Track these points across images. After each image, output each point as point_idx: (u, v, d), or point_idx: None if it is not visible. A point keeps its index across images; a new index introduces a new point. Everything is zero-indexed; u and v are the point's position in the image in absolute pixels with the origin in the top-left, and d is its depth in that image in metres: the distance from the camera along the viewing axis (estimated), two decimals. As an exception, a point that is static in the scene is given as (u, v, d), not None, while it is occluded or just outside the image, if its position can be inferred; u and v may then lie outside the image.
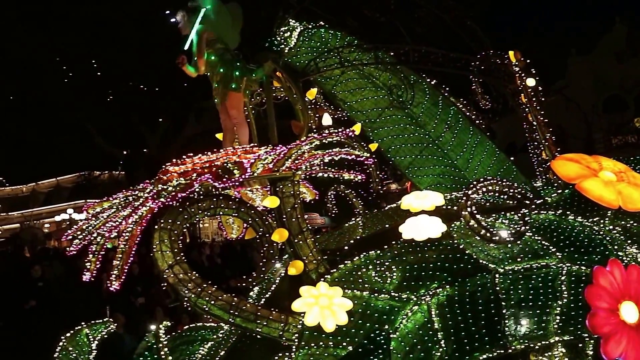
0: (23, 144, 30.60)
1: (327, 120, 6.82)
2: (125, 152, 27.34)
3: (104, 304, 11.85)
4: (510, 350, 5.34)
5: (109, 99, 25.28)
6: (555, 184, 6.66)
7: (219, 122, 6.66)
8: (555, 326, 5.45)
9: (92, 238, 5.19)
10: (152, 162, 22.32)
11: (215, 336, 6.15)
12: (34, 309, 11.80)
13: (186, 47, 6.50)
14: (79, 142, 28.83)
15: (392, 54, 6.74)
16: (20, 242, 19.09)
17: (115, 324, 6.57)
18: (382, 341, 4.97)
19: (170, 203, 5.07)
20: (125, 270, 5.23)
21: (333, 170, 5.86)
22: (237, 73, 6.28)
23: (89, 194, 41.55)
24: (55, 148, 32.18)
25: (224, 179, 5.13)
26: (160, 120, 25.82)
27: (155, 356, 5.51)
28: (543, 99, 6.92)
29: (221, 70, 6.26)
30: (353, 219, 7.02)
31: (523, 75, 6.89)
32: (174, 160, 5.44)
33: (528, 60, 7.02)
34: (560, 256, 5.66)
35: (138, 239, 5.26)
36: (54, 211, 49.98)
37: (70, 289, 12.25)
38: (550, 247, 5.73)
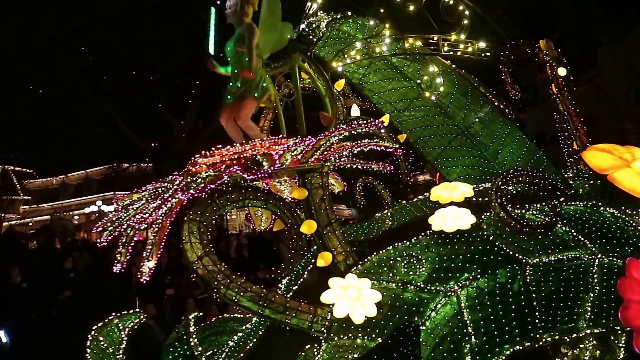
0: (52, 136, 30.89)
1: (355, 111, 6.78)
2: (153, 144, 27.45)
3: (134, 295, 11.97)
4: (540, 343, 5.29)
5: (137, 91, 25.40)
6: (587, 175, 6.58)
7: None
8: (587, 319, 5.39)
9: (122, 230, 5.21)
10: (180, 154, 22.42)
11: (243, 327, 6.17)
12: (67, 299, 11.95)
13: (211, 49, 6.44)
14: (108, 135, 29.04)
15: (420, 44, 6.69)
16: (51, 234, 19.26)
17: (145, 315, 6.60)
18: (412, 333, 4.93)
19: (200, 195, 5.07)
20: (155, 262, 5.25)
21: (362, 161, 5.82)
22: (264, 84, 6.20)
23: (117, 186, 41.89)
24: (84, 140, 32.47)
25: (253, 171, 5.12)
26: (188, 112, 25.89)
27: (185, 347, 5.54)
28: (574, 89, 6.82)
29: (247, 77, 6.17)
30: (382, 210, 6.99)
31: (554, 64, 6.79)
32: (203, 151, 5.43)
33: (559, 49, 6.92)
34: (592, 248, 5.60)
35: (168, 230, 5.27)
36: (83, 203, 50.57)
37: (100, 280, 12.36)
38: (582, 239, 5.66)
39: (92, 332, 6.07)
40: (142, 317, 6.41)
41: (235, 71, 6.28)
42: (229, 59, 6.35)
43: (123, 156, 39.02)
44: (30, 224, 50.46)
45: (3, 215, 48.10)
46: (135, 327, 6.27)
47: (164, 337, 10.03)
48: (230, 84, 6.32)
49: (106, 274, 12.05)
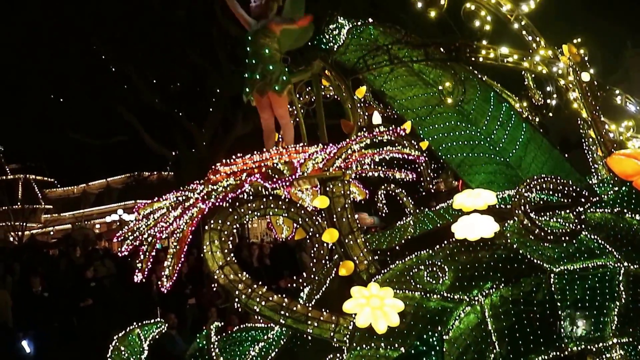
0: (73, 144, 31.09)
1: (377, 118, 6.74)
2: (174, 153, 27.53)
3: (155, 304, 11.99)
4: (566, 352, 5.21)
5: (158, 99, 25.50)
6: (612, 182, 6.49)
7: None
8: (613, 327, 5.31)
9: (143, 239, 5.20)
10: (201, 162, 22.45)
11: (265, 337, 6.14)
12: (88, 308, 12.00)
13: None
14: (128, 143, 29.17)
15: (442, 50, 6.65)
16: (73, 243, 19.37)
17: (167, 325, 6.59)
18: (435, 343, 4.88)
19: (221, 204, 5.05)
20: (176, 271, 5.23)
21: (383, 169, 5.77)
22: (284, 78, 6.21)
23: (138, 194, 42.08)
24: (105, 149, 32.65)
25: (274, 179, 5.09)
26: (209, 120, 25.95)
27: (207, 357, 5.52)
28: (599, 94, 6.74)
29: (271, 67, 6.19)
30: (404, 218, 6.94)
31: (577, 69, 6.71)
32: (224, 160, 5.42)
33: (583, 54, 6.84)
34: (617, 256, 5.51)
35: (189, 239, 5.26)
36: (104, 212, 50.83)
37: (122, 289, 12.40)
38: (607, 247, 5.58)
39: (114, 342, 6.07)
40: (163, 326, 6.40)
41: (254, 61, 6.28)
42: (247, 49, 6.36)
43: (144, 164, 39.21)
44: (51, 232, 50.81)
45: (25, 224, 48.57)
46: (157, 336, 6.26)
47: (186, 346, 10.07)
48: (247, 74, 6.33)
49: (128, 283, 12.12)
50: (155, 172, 41.35)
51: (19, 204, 52.34)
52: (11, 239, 42.40)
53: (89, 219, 52.05)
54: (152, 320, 6.51)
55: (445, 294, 5.14)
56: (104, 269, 14.27)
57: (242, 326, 6.58)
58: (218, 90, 25.02)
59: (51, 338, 11.27)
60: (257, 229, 41.91)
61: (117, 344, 6.04)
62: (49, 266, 14.66)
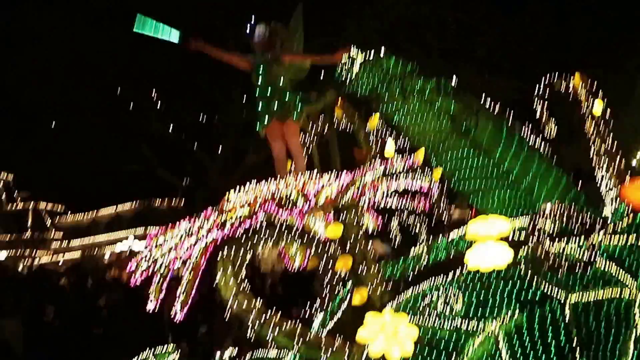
0: (83, 172, 31.26)
1: (390, 147, 6.78)
2: (185, 181, 27.69)
3: (167, 333, 11.97)
4: (582, 383, 5.18)
5: (169, 129, 25.71)
6: (626, 211, 6.48)
7: None
8: (630, 358, 5.27)
9: (156, 267, 5.22)
10: (212, 191, 22.54)
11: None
12: (100, 336, 12.00)
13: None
14: (139, 172, 29.34)
15: (454, 80, 6.70)
16: (83, 272, 19.41)
17: (180, 352, 6.58)
18: (452, 372, 4.88)
19: (235, 233, 5.08)
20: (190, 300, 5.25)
21: (397, 198, 5.80)
22: (300, 106, 6.30)
23: (148, 223, 42.20)
24: (115, 177, 32.83)
25: (289, 209, 5.13)
26: (221, 149, 26.11)
27: (221, 385, 5.51)
28: (611, 123, 6.76)
29: (287, 96, 6.27)
30: (417, 246, 6.93)
31: (589, 99, 6.73)
32: (237, 188, 5.46)
33: (594, 83, 6.86)
34: (633, 285, 5.49)
35: (202, 268, 5.28)
36: (114, 240, 50.95)
37: (132, 318, 12.38)
38: (623, 276, 5.56)
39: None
40: (176, 354, 6.39)
41: (269, 92, 6.36)
42: (259, 83, 6.43)
43: (154, 193, 39.42)
44: (60, 262, 50.95)
45: (34, 252, 48.74)
46: (171, 364, 6.25)
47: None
48: (262, 105, 6.39)
49: (138, 312, 12.10)
50: (165, 201, 41.51)
51: (28, 232, 52.60)
52: (20, 267, 42.56)
53: (98, 248, 52.15)
54: (165, 348, 6.52)
55: (459, 323, 5.13)
56: (114, 297, 14.28)
57: (253, 355, 6.56)
58: (229, 120, 25.20)
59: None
60: (268, 258, 41.83)
61: (130, 372, 6.05)
62: (60, 295, 14.66)
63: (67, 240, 56.82)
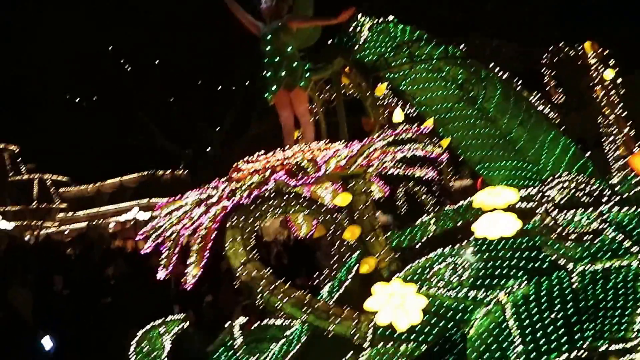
0: (87, 143, 31.27)
1: (397, 116, 6.74)
2: (187, 151, 27.66)
3: (173, 302, 12.03)
4: (588, 353, 5.19)
5: (171, 98, 25.66)
6: (634, 181, 6.46)
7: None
8: (637, 328, 5.27)
9: (166, 236, 5.22)
10: (216, 160, 22.53)
11: (285, 334, 6.15)
12: (108, 306, 12.06)
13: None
14: (142, 142, 29.29)
15: (462, 48, 6.64)
16: (89, 242, 19.46)
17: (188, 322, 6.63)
18: (458, 341, 4.88)
19: (245, 201, 5.08)
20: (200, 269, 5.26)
21: (404, 167, 5.79)
22: (307, 74, 6.27)
23: (152, 193, 42.23)
24: (118, 148, 32.82)
25: (298, 177, 5.12)
26: (224, 119, 26.06)
27: (230, 352, 5.54)
28: (622, 92, 6.71)
29: (295, 64, 6.23)
30: (424, 216, 6.93)
31: (600, 67, 6.68)
32: (246, 158, 5.44)
33: (605, 51, 6.81)
34: (641, 254, 5.47)
35: (212, 237, 5.29)
36: (118, 211, 51.06)
37: (138, 288, 12.43)
38: (631, 246, 5.55)
39: (137, 339, 6.12)
40: (185, 323, 6.44)
41: (277, 60, 6.31)
42: (267, 48, 6.39)
43: (157, 163, 39.34)
44: (66, 232, 51.10)
45: (41, 222, 48.94)
46: (178, 333, 6.30)
47: (205, 343, 10.09)
48: (270, 73, 6.35)
49: (144, 282, 12.17)
50: (169, 171, 41.47)
51: (34, 203, 52.77)
52: (27, 238, 42.76)
53: (103, 218, 52.27)
54: (174, 317, 6.57)
55: (466, 292, 5.13)
56: (121, 267, 14.34)
57: (261, 323, 6.60)
58: (233, 89, 25.11)
59: (71, 335, 11.31)
60: (270, 228, 41.93)
61: (140, 340, 6.09)
62: (68, 265, 14.74)
63: (72, 211, 57.00)
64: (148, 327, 6.32)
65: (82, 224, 51.85)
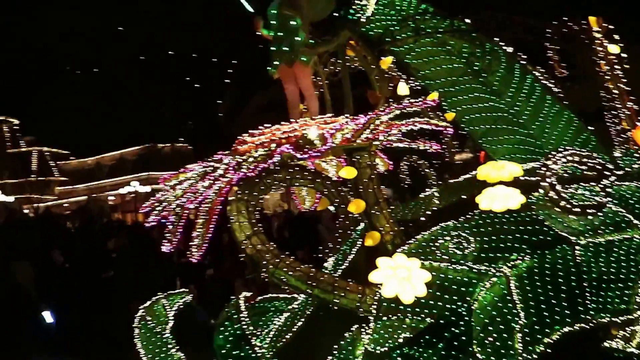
0: (88, 116, 31.28)
1: (403, 89, 6.72)
2: (190, 123, 27.67)
3: (175, 276, 12.08)
4: (591, 324, 5.24)
5: (174, 70, 25.60)
6: (637, 154, 6.47)
7: (284, 93, 6.62)
8: (638, 301, 5.32)
9: (171, 209, 5.23)
10: (219, 133, 22.52)
11: (290, 307, 6.18)
12: (109, 279, 12.10)
13: (249, 7, 6.44)
14: (142, 114, 29.29)
15: (468, 21, 6.62)
16: (89, 214, 19.47)
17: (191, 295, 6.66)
18: (464, 313, 4.92)
19: (251, 174, 5.07)
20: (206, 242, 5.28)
21: (408, 140, 5.78)
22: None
23: (152, 166, 42.25)
24: (118, 120, 32.82)
25: (305, 150, 5.11)
26: (226, 92, 26.05)
27: (237, 326, 5.57)
28: (625, 66, 6.70)
29: (297, 39, 6.19)
30: (428, 189, 6.95)
31: (605, 41, 6.67)
32: (251, 130, 5.44)
33: (610, 26, 6.79)
34: (644, 228, 5.50)
35: (218, 209, 5.30)
36: (118, 184, 51.07)
37: (140, 261, 12.46)
38: (633, 219, 5.58)
39: (140, 312, 6.15)
40: (188, 297, 6.47)
41: (280, 35, 6.29)
42: (272, 23, 6.37)
43: (157, 136, 39.36)
44: (66, 205, 51.17)
45: (41, 195, 48.98)
46: (181, 306, 6.33)
47: (207, 317, 10.15)
48: (274, 47, 6.33)
49: (145, 255, 12.20)
50: (169, 144, 41.47)
51: (33, 176, 52.78)
52: (26, 211, 42.81)
53: (103, 191, 52.30)
54: (177, 291, 6.60)
55: (471, 265, 5.15)
56: (122, 240, 14.35)
57: (265, 296, 6.63)
58: (235, 62, 25.05)
59: (72, 309, 11.37)
60: (269, 201, 42.00)
61: (144, 313, 6.12)
62: (69, 238, 14.75)
63: (71, 185, 57.03)
64: (151, 300, 6.33)
65: (82, 197, 51.96)
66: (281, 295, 6.51)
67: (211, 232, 5.39)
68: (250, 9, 6.56)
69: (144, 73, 25.13)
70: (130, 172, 51.75)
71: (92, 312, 11.26)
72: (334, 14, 6.50)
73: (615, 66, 6.66)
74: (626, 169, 6.33)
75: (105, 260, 12.69)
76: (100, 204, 29.64)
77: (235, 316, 5.61)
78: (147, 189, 40.44)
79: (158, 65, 24.85)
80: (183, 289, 6.91)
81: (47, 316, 11.18)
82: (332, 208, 6.20)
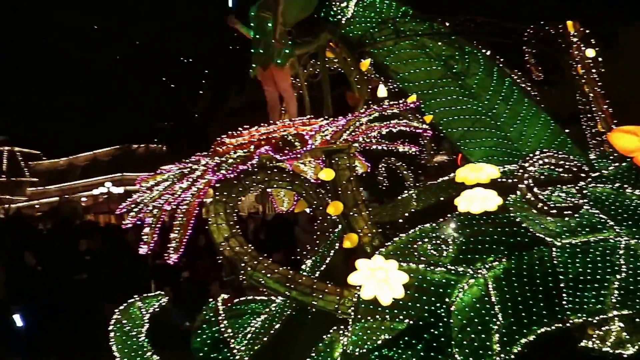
0: (60, 116, 30.90)
1: (382, 91, 6.73)
2: (165, 124, 27.47)
3: (149, 278, 11.99)
4: (568, 324, 5.28)
5: (149, 70, 25.41)
6: (612, 157, 6.53)
7: (262, 94, 6.61)
8: (614, 300, 5.37)
9: (148, 211, 5.17)
10: (195, 134, 22.38)
11: (267, 309, 6.16)
12: (84, 281, 11.98)
13: (230, 3, 6.43)
14: (117, 114, 29.00)
15: (447, 24, 6.65)
16: (62, 216, 19.25)
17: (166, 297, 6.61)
18: (443, 314, 4.93)
19: (231, 176, 5.04)
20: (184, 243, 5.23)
21: (387, 142, 5.78)
22: (286, 51, 6.23)
23: (126, 167, 41.88)
24: (91, 120, 32.47)
25: (285, 151, 5.08)
26: (203, 92, 25.92)
27: (214, 329, 5.54)
28: (601, 70, 6.77)
29: (273, 41, 6.17)
30: (406, 191, 6.96)
31: (582, 45, 6.73)
32: (230, 132, 5.40)
33: (586, 30, 6.86)
34: (618, 230, 5.56)
35: (196, 211, 5.25)
36: (91, 185, 50.54)
37: (114, 263, 12.35)
38: (608, 221, 5.63)
39: (116, 315, 6.09)
40: (163, 299, 6.42)
41: (257, 37, 6.29)
42: (252, 24, 6.38)
43: (132, 137, 38.97)
44: (37, 206, 50.52)
45: (11, 197, 48.31)
46: (157, 309, 6.28)
47: (183, 319, 10.09)
48: (253, 49, 6.34)
49: (118, 257, 12.11)
50: (143, 145, 41.11)
51: (4, 176, 52.08)
52: (-2, 212, 42.27)
53: (75, 192, 51.72)
54: (153, 293, 6.54)
55: (449, 267, 5.17)
56: (95, 243, 14.20)
57: (242, 298, 6.60)
58: (211, 59, 24.93)
59: (44, 311, 11.24)
60: (244, 203, 41.89)
61: (119, 316, 6.06)
62: (41, 240, 14.56)
63: (43, 185, 56.37)
64: (126, 303, 6.27)
65: (54, 198, 51.35)
66: (258, 298, 6.49)
67: (189, 234, 5.34)
68: (230, 4, 6.53)
69: (118, 72, 24.87)
70: (103, 173, 51.24)
71: (66, 315, 11.14)
72: (314, 15, 6.48)
73: (592, 70, 6.72)
74: (601, 171, 6.38)
75: (79, 263, 12.55)
76: (73, 205, 29.34)
77: (213, 319, 5.58)
78: (121, 190, 40.13)
79: (133, 65, 24.60)
80: (158, 292, 6.84)
81: (17, 319, 11.03)
82: (309, 210, 6.18)
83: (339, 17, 6.58)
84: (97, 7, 23.88)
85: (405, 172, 7.16)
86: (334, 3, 6.62)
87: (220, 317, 5.56)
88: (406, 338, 4.87)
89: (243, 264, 5.03)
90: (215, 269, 11.37)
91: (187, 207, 5.13)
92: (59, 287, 11.77)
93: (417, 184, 7.06)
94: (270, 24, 6.20)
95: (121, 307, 6.22)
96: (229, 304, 6.50)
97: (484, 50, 6.97)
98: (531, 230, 5.42)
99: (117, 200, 36.56)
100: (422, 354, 4.86)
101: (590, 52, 6.73)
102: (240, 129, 5.45)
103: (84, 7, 23.94)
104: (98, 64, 25.14)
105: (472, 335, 4.97)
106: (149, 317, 6.18)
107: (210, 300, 5.89)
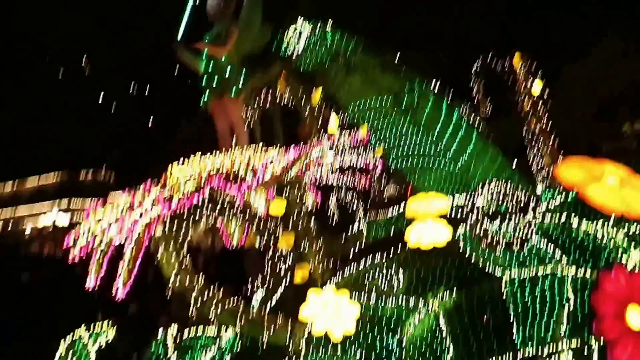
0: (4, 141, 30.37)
1: (333, 123, 6.77)
2: (113, 152, 27.22)
3: (95, 311, 11.72)
4: (518, 356, 5.31)
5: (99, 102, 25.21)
6: (558, 190, 6.64)
7: (212, 124, 6.60)
8: (563, 332, 5.42)
9: (96, 243, 5.07)
10: (144, 163, 22.18)
11: (217, 344, 6.06)
12: (26, 314, 11.67)
13: (180, 36, 6.45)
14: (64, 142, 28.63)
15: (397, 58, 6.73)
16: (4, 247, 18.83)
17: (114, 330, 6.48)
18: (394, 347, 4.92)
19: (181, 209, 4.98)
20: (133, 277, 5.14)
21: (338, 174, 5.80)
22: (240, 83, 6.27)
23: (73, 195, 41.25)
24: (38, 148, 32.00)
25: (235, 185, 5.06)
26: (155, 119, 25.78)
27: (164, 363, 5.44)
28: (548, 103, 6.91)
29: (226, 74, 6.20)
30: (356, 224, 6.97)
31: (528, 79, 6.87)
32: (179, 160, 5.35)
33: (533, 64, 7.01)
34: (566, 262, 5.63)
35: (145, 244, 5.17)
36: (37, 213, 49.52)
37: (58, 296, 12.08)
38: (556, 253, 5.71)
39: (61, 348, 5.94)
40: (110, 332, 6.28)
41: (210, 69, 6.32)
42: (204, 58, 6.39)
43: (78, 164, 38.51)
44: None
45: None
46: (105, 342, 6.15)
47: (127, 352, 9.86)
48: (205, 82, 6.35)
49: (64, 290, 11.83)
50: (90, 172, 40.62)
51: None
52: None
53: (20, 221, 50.58)
54: (100, 326, 6.40)
55: (400, 300, 5.17)
56: (40, 274, 13.91)
57: (191, 333, 6.49)
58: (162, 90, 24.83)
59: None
60: (194, 236, 41.41)
61: (65, 349, 5.92)
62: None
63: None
64: (72, 336, 6.12)
65: (-5, 228, 50.17)
66: (208, 332, 6.39)
67: (137, 267, 5.24)
68: (179, 37, 6.55)
69: (64, 96, 24.61)
70: (49, 201, 50.29)
71: (8, 349, 10.82)
72: (267, 48, 6.53)
73: (538, 103, 6.86)
74: (548, 203, 6.47)
75: (22, 295, 12.24)
76: (17, 235, 28.70)
77: (162, 354, 5.47)
78: (67, 219, 39.44)
79: (79, 89, 24.39)
80: (105, 325, 6.70)
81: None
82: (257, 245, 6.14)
83: (292, 50, 6.62)
84: (41, 27, 23.65)
85: (356, 205, 7.17)
86: (286, 36, 6.66)
87: (169, 352, 5.46)
88: (358, 372, 4.85)
89: (193, 299, 4.96)
90: (163, 303, 11.20)
91: (136, 239, 5.05)
92: (2, 321, 11.45)
93: (368, 217, 7.08)
94: (222, 58, 6.24)
95: (66, 341, 6.07)
96: (178, 339, 6.39)
97: (432, 83, 7.07)
98: (481, 263, 5.47)
99: (63, 230, 35.92)
100: (374, 387, 4.84)
101: (537, 86, 6.87)
102: (189, 158, 5.40)
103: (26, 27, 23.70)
104: (44, 88, 24.85)
105: (425, 368, 4.97)
106: (96, 350, 6.04)
107: (159, 334, 5.78)
